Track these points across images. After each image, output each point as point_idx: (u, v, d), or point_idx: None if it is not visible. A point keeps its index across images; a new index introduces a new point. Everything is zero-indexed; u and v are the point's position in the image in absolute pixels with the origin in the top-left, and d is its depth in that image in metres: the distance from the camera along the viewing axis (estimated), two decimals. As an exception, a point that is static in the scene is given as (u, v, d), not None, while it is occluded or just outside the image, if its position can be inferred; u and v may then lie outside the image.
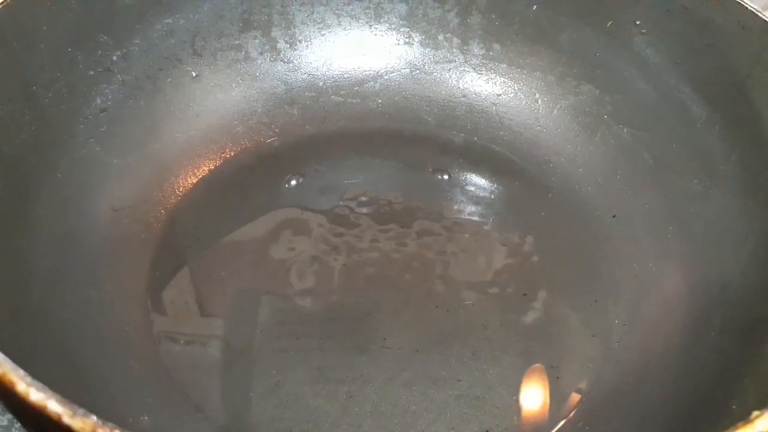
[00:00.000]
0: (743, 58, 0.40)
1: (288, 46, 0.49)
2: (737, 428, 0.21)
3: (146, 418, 0.34)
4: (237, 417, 0.36)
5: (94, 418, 0.20)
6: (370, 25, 0.50)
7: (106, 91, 0.44)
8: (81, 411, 0.20)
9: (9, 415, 0.40)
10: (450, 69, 0.50)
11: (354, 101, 0.50)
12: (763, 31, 0.39)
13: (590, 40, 0.46)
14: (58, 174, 0.40)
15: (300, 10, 0.49)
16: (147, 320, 0.39)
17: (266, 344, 0.39)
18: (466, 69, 0.50)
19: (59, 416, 0.20)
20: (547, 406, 0.37)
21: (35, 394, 0.21)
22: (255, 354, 0.38)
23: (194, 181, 0.46)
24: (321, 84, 0.50)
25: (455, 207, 0.46)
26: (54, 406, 0.21)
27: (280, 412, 0.36)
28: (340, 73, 0.50)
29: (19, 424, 0.39)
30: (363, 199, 0.46)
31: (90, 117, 0.43)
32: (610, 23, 0.45)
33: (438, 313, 0.40)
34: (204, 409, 0.36)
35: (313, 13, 0.49)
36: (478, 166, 0.48)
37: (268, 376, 0.37)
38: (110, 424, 0.20)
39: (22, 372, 0.21)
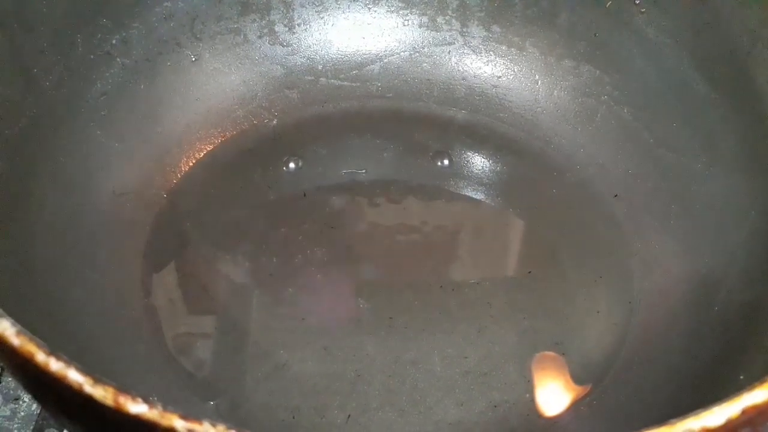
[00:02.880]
0: (743, 36, 0.40)
1: (287, 29, 0.49)
2: (753, 388, 0.21)
3: (155, 398, 0.34)
4: (244, 397, 0.36)
5: (116, 386, 0.20)
6: (369, 8, 0.50)
7: (106, 74, 0.43)
8: (102, 380, 0.20)
9: (12, 405, 0.40)
10: (450, 51, 0.50)
11: (353, 84, 0.50)
12: (762, 8, 0.39)
13: (590, 21, 0.46)
14: (59, 158, 0.40)
15: (298, -7, 0.49)
16: (150, 303, 0.39)
17: (271, 325, 0.39)
18: (465, 51, 0.50)
19: (80, 385, 0.20)
20: (554, 382, 0.37)
21: (55, 363, 0.21)
22: (260, 335, 0.38)
23: (194, 165, 0.46)
24: (320, 67, 0.50)
25: (456, 188, 0.46)
26: (74, 375, 0.20)
27: (287, 392, 0.36)
28: (340, 56, 0.50)
29: (22, 413, 0.39)
30: (363, 181, 0.46)
31: (90, 101, 0.43)
32: (609, 3, 0.45)
33: (443, 292, 0.40)
34: (211, 390, 0.36)
35: (311, -5, 0.49)
36: (478, 148, 0.48)
37: (274, 356, 0.37)
38: (132, 392, 0.20)
39: (40, 342, 0.21)
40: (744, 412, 0.21)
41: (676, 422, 0.21)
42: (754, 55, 0.39)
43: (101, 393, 0.20)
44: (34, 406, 0.39)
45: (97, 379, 0.20)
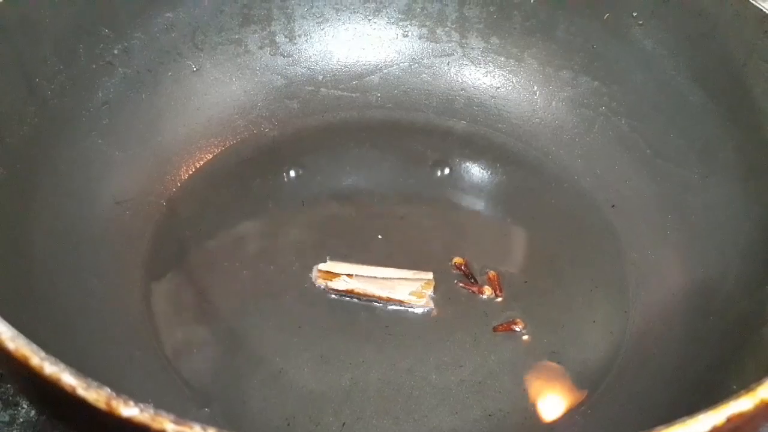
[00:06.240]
0: (739, 47, 0.40)
1: (287, 40, 0.50)
2: (740, 396, 0.22)
3: (151, 403, 0.34)
4: (240, 404, 0.36)
5: (108, 389, 0.21)
6: (369, 19, 0.50)
7: (108, 84, 0.44)
8: (95, 383, 0.21)
9: (11, 411, 0.40)
10: (449, 62, 0.50)
11: (353, 95, 0.50)
12: (757, 20, 0.39)
13: (588, 32, 0.47)
14: (60, 166, 0.40)
15: (299, 5, 0.49)
16: (148, 310, 0.39)
17: (268, 333, 0.39)
18: (464, 62, 0.50)
19: (73, 389, 0.21)
20: (549, 391, 0.37)
21: (49, 367, 0.21)
22: (257, 342, 0.39)
23: (195, 174, 0.46)
24: (320, 78, 0.50)
25: (454, 198, 0.46)
26: (68, 378, 0.21)
27: (283, 398, 0.36)
28: (340, 67, 0.50)
29: (21, 419, 0.39)
30: (362, 190, 0.46)
31: (92, 110, 0.43)
32: (607, 15, 0.46)
33: (439, 300, 0.40)
34: (206, 396, 0.36)
35: (312, 7, 0.50)
36: (477, 158, 0.48)
37: (271, 363, 0.38)
38: (124, 396, 0.21)
39: (35, 346, 0.22)
40: (729, 420, 0.21)
41: (663, 429, 0.21)
42: (750, 66, 0.40)
43: (94, 396, 0.20)
44: (33, 411, 0.39)
45: (90, 383, 0.21)
